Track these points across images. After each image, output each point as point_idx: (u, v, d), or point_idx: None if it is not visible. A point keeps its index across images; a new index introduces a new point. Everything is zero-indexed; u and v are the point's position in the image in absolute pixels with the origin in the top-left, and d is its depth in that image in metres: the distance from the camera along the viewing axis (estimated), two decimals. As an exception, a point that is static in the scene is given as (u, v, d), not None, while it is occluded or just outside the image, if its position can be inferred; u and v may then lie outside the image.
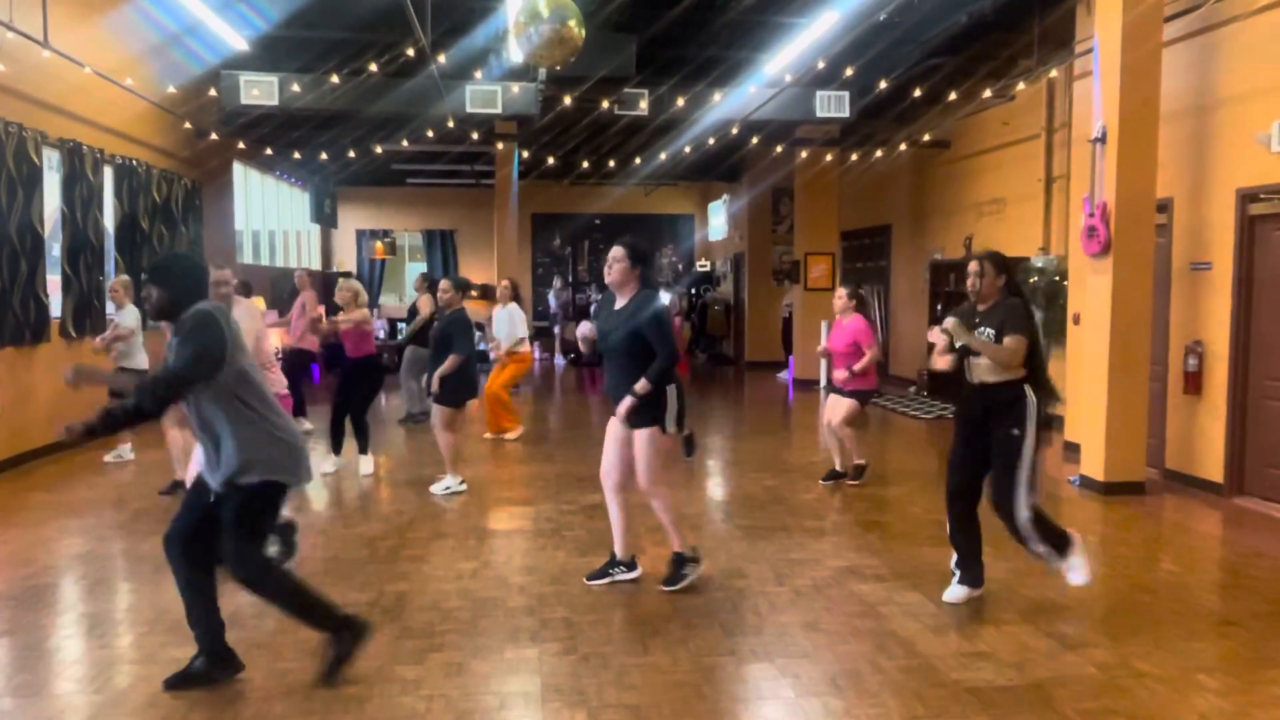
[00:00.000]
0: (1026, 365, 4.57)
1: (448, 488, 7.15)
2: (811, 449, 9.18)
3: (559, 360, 18.98)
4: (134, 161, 10.46)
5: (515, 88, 10.75)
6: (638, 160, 15.02)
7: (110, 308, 8.46)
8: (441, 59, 9.48)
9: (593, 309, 20.59)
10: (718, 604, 4.73)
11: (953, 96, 10.94)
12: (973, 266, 4.79)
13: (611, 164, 15.44)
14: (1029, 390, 4.55)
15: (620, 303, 4.88)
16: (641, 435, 4.80)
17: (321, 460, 7.92)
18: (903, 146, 13.04)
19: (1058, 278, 9.39)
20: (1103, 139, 7.02)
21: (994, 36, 9.91)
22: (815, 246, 14.88)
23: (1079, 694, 3.68)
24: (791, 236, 16.28)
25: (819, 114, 11.49)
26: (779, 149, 14.47)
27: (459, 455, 7.39)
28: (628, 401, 4.72)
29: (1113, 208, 6.96)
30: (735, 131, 12.54)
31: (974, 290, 4.76)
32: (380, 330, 15.94)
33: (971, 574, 4.73)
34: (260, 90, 10.50)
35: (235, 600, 4.72)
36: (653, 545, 5.69)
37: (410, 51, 9.56)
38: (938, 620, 4.48)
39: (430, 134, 12.55)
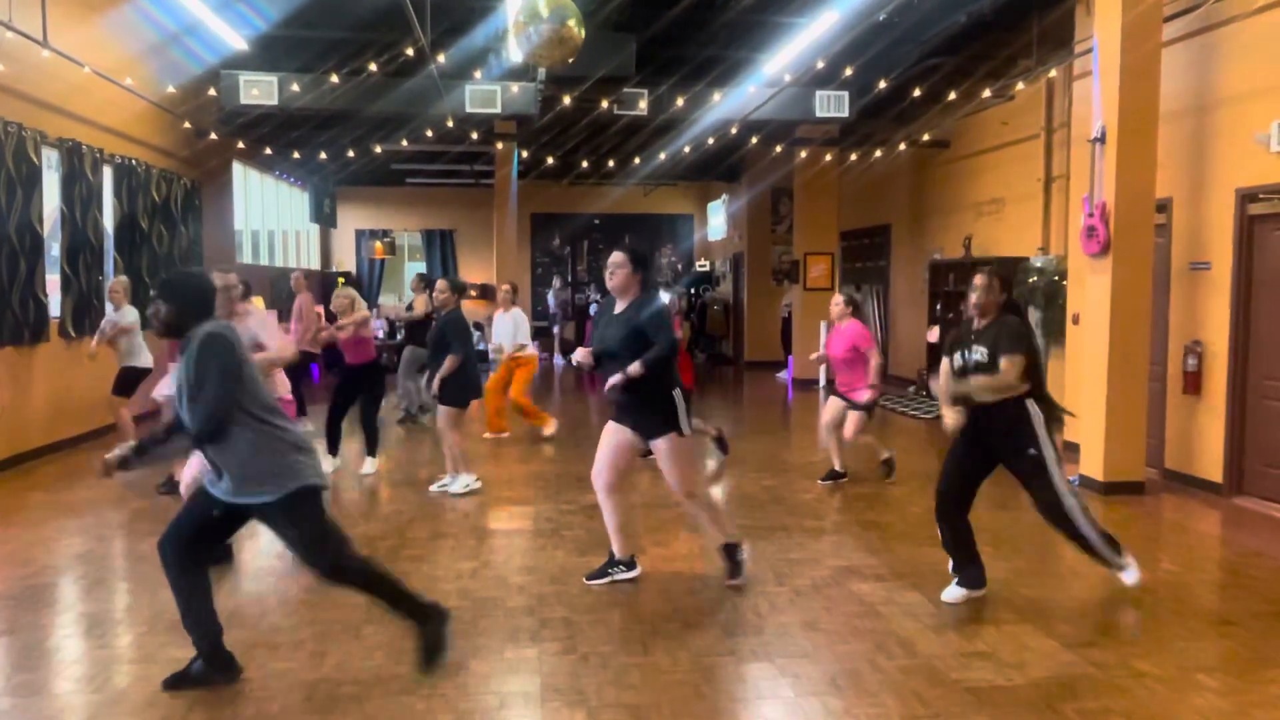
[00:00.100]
0: (1028, 379, 4.57)
1: (466, 485, 7.15)
2: (810, 449, 9.18)
3: (558, 360, 18.98)
4: (133, 161, 10.46)
5: (515, 87, 10.75)
6: (637, 160, 15.02)
7: (109, 308, 8.46)
8: (441, 59, 9.48)
9: (592, 309, 20.68)
10: (717, 604, 4.73)
11: (952, 96, 10.94)
12: (980, 280, 4.69)
13: (611, 164, 15.44)
14: (1030, 405, 4.55)
15: (620, 307, 4.87)
16: (662, 445, 4.79)
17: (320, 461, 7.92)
18: (902, 146, 13.04)
19: (1057, 278, 9.39)
20: (1102, 139, 7.02)
21: (993, 36, 9.92)
22: (814, 246, 14.88)
23: (1078, 693, 3.68)
24: (791, 236, 16.28)
25: (818, 114, 11.49)
26: (778, 149, 14.47)
27: (466, 454, 7.39)
28: (618, 378, 4.66)
29: (1112, 208, 6.97)
30: (734, 131, 12.54)
31: (977, 304, 4.68)
32: (379, 330, 15.93)
33: (969, 576, 4.73)
34: (260, 90, 10.49)
35: (234, 599, 4.74)
36: (652, 545, 5.70)
37: (410, 51, 9.56)
38: (937, 620, 4.48)
39: (429, 134, 12.55)
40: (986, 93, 10.53)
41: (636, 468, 6.53)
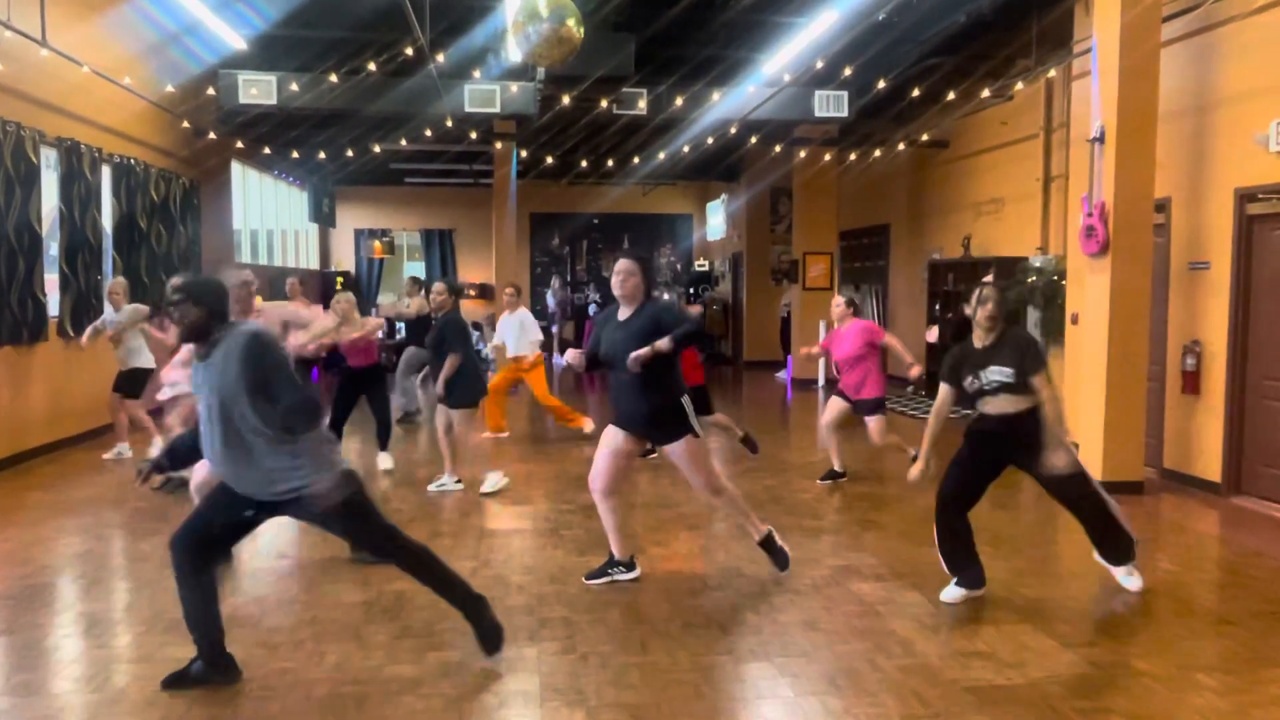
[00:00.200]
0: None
1: (495, 484, 7.15)
2: (810, 449, 9.19)
3: (558, 360, 18.97)
4: (132, 160, 10.45)
5: (514, 87, 10.75)
6: (636, 160, 15.02)
7: (108, 309, 8.46)
8: (440, 58, 9.48)
9: (591, 309, 20.70)
10: (716, 603, 4.73)
11: (951, 96, 10.94)
12: (991, 297, 4.59)
13: (610, 163, 15.43)
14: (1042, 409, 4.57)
15: (626, 314, 4.80)
16: (678, 449, 4.78)
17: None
18: (901, 146, 13.04)
19: (1056, 277, 9.40)
20: (1101, 139, 7.03)
21: (992, 36, 9.92)
22: (813, 246, 14.88)
23: (1077, 693, 3.68)
24: (790, 236, 16.28)
25: (817, 114, 11.49)
26: (777, 148, 14.47)
27: (465, 454, 7.37)
28: (644, 351, 4.54)
29: (1111, 207, 6.97)
30: (734, 131, 12.53)
31: (990, 317, 4.57)
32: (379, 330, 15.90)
33: (968, 576, 4.73)
34: (258, 89, 10.48)
35: (234, 599, 4.73)
36: (652, 545, 5.70)
37: (409, 51, 9.55)
38: (936, 619, 4.48)
39: (429, 133, 12.54)
40: (985, 92, 10.53)
41: (635, 468, 6.53)
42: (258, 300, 8.40)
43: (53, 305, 8.98)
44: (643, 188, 20.10)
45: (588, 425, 9.44)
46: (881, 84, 10.35)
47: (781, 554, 5.09)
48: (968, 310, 4.71)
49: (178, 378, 6.44)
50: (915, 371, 7.10)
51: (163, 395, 6.81)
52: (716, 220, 20.19)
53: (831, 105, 11.37)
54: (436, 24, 8.90)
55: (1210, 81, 7.19)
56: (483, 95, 10.77)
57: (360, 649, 4.13)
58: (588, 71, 9.74)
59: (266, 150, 14.18)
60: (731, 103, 11.37)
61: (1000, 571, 5.04)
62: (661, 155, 14.43)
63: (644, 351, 4.55)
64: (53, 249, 9.18)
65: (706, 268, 21.13)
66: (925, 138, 12.61)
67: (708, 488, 4.91)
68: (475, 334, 9.68)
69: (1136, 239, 7.02)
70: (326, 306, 10.73)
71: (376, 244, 19.90)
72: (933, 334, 12.40)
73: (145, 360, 8.11)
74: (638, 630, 4.36)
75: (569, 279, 21.69)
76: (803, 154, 14.36)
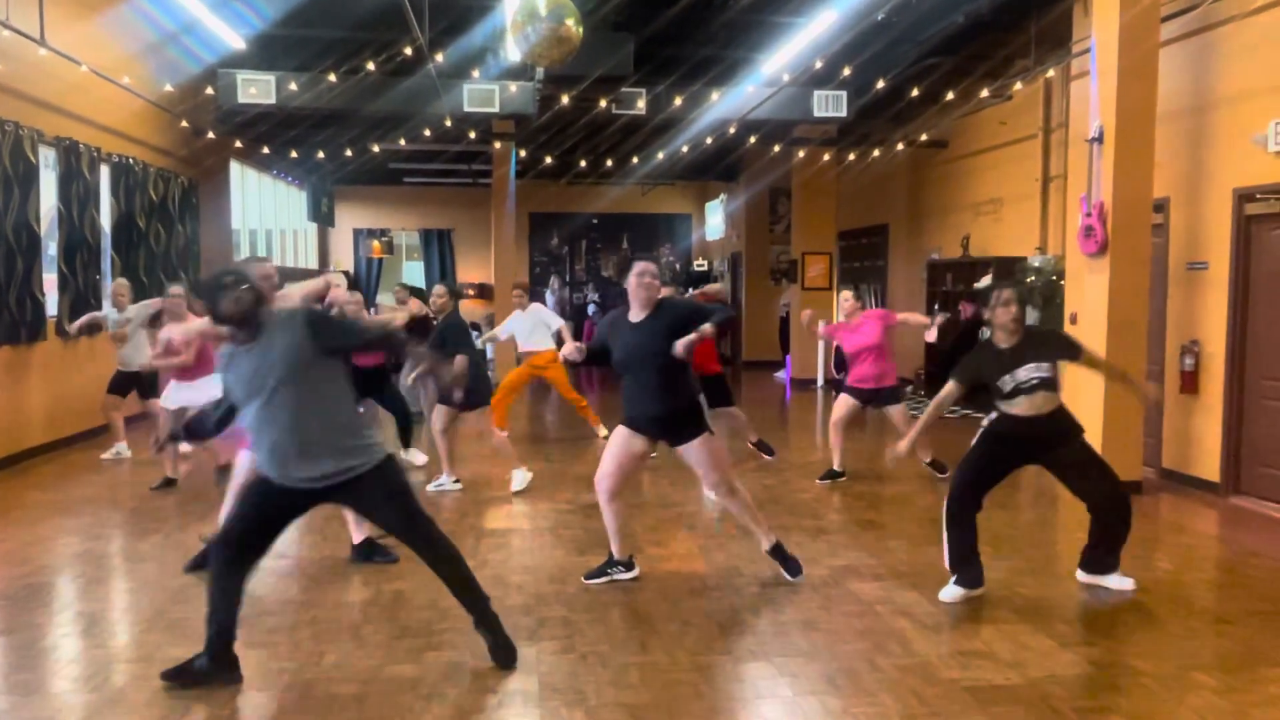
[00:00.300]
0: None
1: (522, 482, 7.18)
2: (809, 448, 9.19)
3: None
4: (131, 160, 10.45)
5: (513, 87, 10.74)
6: (635, 159, 15.02)
7: (109, 309, 8.46)
8: (439, 58, 9.47)
9: (590, 309, 20.70)
10: (716, 603, 4.73)
11: (950, 96, 10.94)
12: (1014, 299, 4.64)
13: (609, 163, 15.43)
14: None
15: (639, 317, 4.74)
16: (695, 448, 4.77)
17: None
18: (900, 146, 13.05)
19: (1055, 277, 9.40)
20: (1100, 139, 7.03)
21: (991, 36, 9.92)
22: (812, 246, 14.87)
23: (1076, 693, 3.68)
24: (789, 236, 16.27)
25: (816, 113, 11.49)
26: (776, 148, 14.47)
27: (459, 453, 7.39)
28: (692, 337, 4.50)
29: (1110, 207, 6.97)
30: (733, 131, 12.53)
31: (1014, 319, 4.62)
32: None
33: (967, 575, 4.73)
34: (257, 89, 10.48)
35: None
36: (651, 545, 5.70)
37: (408, 50, 9.55)
38: (935, 619, 4.48)
39: (427, 133, 12.53)
40: (984, 93, 10.53)
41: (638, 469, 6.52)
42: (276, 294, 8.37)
43: (51, 305, 8.98)
44: (642, 188, 20.10)
45: (602, 430, 9.49)
46: (880, 84, 10.35)
47: (793, 561, 5.03)
48: (985, 313, 4.77)
49: (188, 398, 6.44)
50: (939, 320, 7.57)
51: (170, 405, 6.78)
52: (715, 220, 20.19)
53: (830, 105, 11.38)
54: (435, 24, 8.90)
55: (1209, 82, 7.20)
56: (481, 95, 10.77)
57: (359, 649, 4.13)
58: (587, 71, 9.73)
59: (265, 150, 14.17)
60: (730, 103, 11.37)
61: (1000, 571, 5.05)
62: (660, 155, 14.43)
63: (692, 337, 4.52)
64: (51, 248, 9.17)
65: (705, 267, 21.13)
66: (924, 138, 12.61)
67: (722, 486, 4.89)
68: (475, 334, 9.65)
69: (1135, 239, 7.02)
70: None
71: (375, 244, 19.89)
72: (932, 334, 12.39)
73: (145, 359, 8.10)
74: (637, 630, 4.36)
75: (568, 279, 21.70)
76: (801, 154, 14.36)
